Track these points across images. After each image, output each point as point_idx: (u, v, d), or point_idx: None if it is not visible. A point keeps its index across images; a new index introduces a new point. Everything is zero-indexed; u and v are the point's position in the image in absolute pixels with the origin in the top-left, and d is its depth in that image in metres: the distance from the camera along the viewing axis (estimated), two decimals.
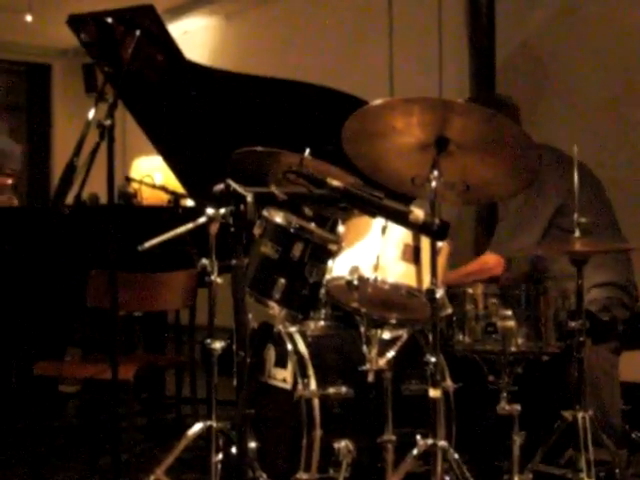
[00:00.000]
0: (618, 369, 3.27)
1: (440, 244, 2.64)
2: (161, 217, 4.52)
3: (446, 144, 2.55)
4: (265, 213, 3.11)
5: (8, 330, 4.13)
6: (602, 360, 3.20)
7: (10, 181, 5.26)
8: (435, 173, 2.51)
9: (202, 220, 2.75)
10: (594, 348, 3.12)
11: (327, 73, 5.69)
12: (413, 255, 2.73)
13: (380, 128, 2.59)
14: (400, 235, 2.74)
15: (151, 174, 5.31)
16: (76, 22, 4.08)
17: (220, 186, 2.33)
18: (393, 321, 2.92)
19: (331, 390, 2.89)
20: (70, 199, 4.01)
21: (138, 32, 3.70)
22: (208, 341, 2.88)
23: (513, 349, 2.82)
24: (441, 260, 2.72)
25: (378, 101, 2.54)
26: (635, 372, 3.64)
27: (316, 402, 2.86)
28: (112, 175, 3.27)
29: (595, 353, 3.14)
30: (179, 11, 7.76)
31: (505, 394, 2.83)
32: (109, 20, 3.85)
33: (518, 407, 2.81)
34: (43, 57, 9.67)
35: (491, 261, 3.45)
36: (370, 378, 2.86)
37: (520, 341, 2.83)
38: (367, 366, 2.86)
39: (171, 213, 4.75)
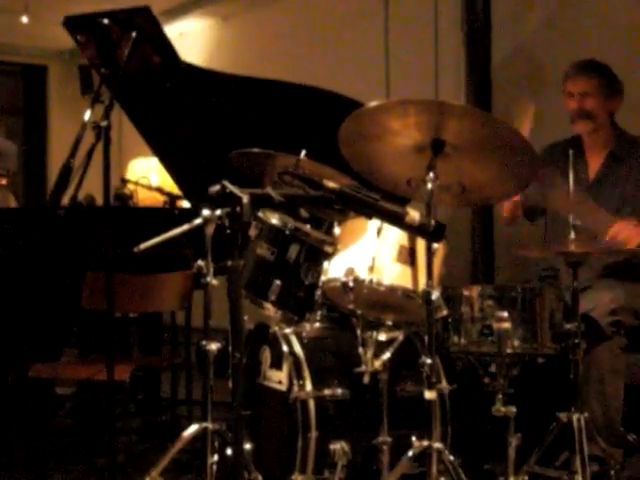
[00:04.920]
0: (624, 367, 3.27)
1: (436, 245, 2.64)
2: (157, 218, 4.52)
3: (442, 146, 2.55)
4: (261, 215, 3.11)
5: (4, 331, 4.12)
6: (611, 356, 3.20)
7: (4, 182, 5.24)
8: (431, 175, 2.51)
9: (198, 221, 2.75)
10: (598, 348, 3.14)
11: (323, 75, 5.69)
12: (409, 256, 2.73)
13: (376, 130, 2.59)
14: (396, 236, 2.74)
15: (147, 175, 5.31)
16: (72, 23, 4.08)
17: (216, 187, 2.33)
18: (389, 323, 2.92)
19: (327, 392, 2.89)
20: (66, 200, 4.02)
21: (134, 34, 3.70)
22: (204, 342, 2.88)
23: (509, 351, 2.82)
24: (437, 262, 2.72)
25: (374, 103, 2.54)
26: (632, 374, 3.64)
27: (312, 404, 2.86)
28: (108, 176, 3.27)
29: (600, 352, 3.15)
30: (175, 13, 7.77)
31: (501, 396, 2.83)
32: (105, 21, 3.85)
33: (514, 409, 2.81)
34: (39, 58, 9.68)
35: None
36: (366, 380, 2.86)
37: (516, 343, 2.83)
38: (363, 368, 2.86)
39: (167, 214, 4.75)
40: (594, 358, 3.09)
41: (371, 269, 2.73)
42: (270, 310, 3.07)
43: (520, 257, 3.81)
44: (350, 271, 2.74)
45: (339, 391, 2.91)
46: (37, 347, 4.17)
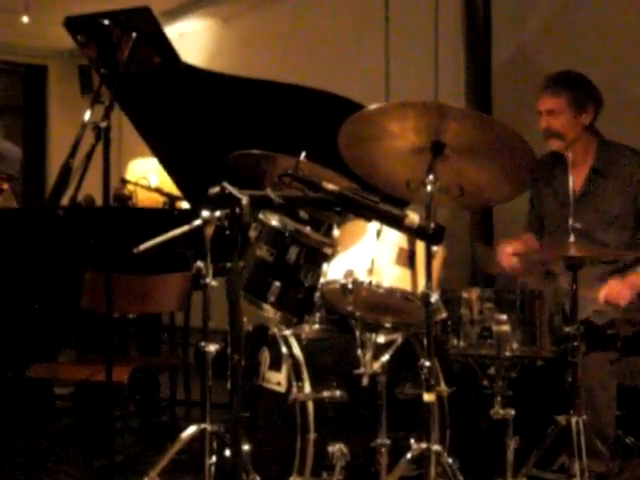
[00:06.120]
0: (615, 379, 3.25)
1: (435, 248, 2.64)
2: (156, 219, 4.52)
3: (442, 148, 2.55)
4: (261, 216, 3.11)
5: (2, 332, 4.12)
6: (599, 369, 3.17)
7: (5, 186, 5.22)
8: (430, 177, 2.51)
9: (197, 222, 2.75)
10: (591, 356, 3.12)
11: (323, 77, 5.69)
12: (408, 259, 2.73)
13: (376, 132, 2.59)
14: (395, 239, 2.74)
15: (147, 176, 5.32)
16: (73, 24, 4.09)
17: (216, 189, 2.33)
18: (388, 325, 2.92)
19: (325, 393, 2.89)
20: (65, 200, 4.02)
21: (134, 34, 3.71)
22: (202, 344, 2.88)
23: (508, 354, 2.82)
24: (436, 264, 2.72)
25: (374, 105, 2.54)
26: (629, 376, 3.64)
27: (310, 405, 2.86)
28: (108, 177, 3.27)
29: (592, 361, 3.13)
30: (175, 13, 7.77)
31: (499, 398, 2.83)
32: (106, 22, 3.86)
33: (512, 411, 2.81)
34: (39, 58, 9.67)
35: None
36: (364, 382, 2.86)
37: (515, 346, 2.83)
38: (361, 370, 2.86)
39: (166, 215, 4.75)
40: (584, 369, 3.05)
41: (370, 271, 2.73)
42: (269, 311, 3.08)
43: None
44: (349, 273, 2.74)
45: (338, 393, 2.90)
46: (35, 347, 4.17)
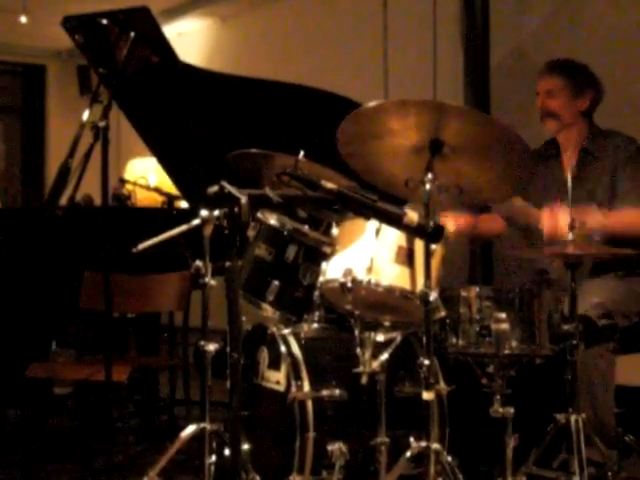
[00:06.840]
0: (614, 369, 3.26)
1: (434, 246, 2.64)
2: (155, 219, 4.52)
3: (440, 147, 2.55)
4: (259, 215, 3.11)
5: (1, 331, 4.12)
6: (599, 358, 3.19)
7: None
8: (429, 176, 2.51)
9: (196, 222, 2.75)
10: (590, 351, 3.12)
11: (322, 76, 5.69)
12: (407, 257, 2.73)
13: (374, 130, 2.59)
14: (394, 237, 2.74)
15: (145, 175, 5.32)
16: (71, 23, 4.09)
17: (214, 188, 2.33)
18: (387, 323, 2.92)
19: (324, 392, 2.89)
20: (64, 200, 4.02)
21: (133, 34, 3.70)
22: (201, 343, 2.88)
23: (507, 352, 2.81)
24: (435, 263, 2.72)
25: (373, 102, 2.54)
26: (628, 375, 3.64)
27: (309, 404, 2.86)
28: (106, 176, 3.27)
29: (592, 351, 3.14)
30: (174, 13, 7.77)
31: (498, 397, 2.83)
32: (104, 22, 3.85)
33: (511, 410, 2.81)
34: (38, 58, 9.67)
35: None
36: (363, 380, 2.86)
37: (514, 344, 2.82)
38: (361, 368, 2.86)
39: (165, 215, 4.75)
40: (584, 362, 3.06)
41: (369, 270, 2.72)
42: (268, 311, 3.07)
43: (518, 258, 3.82)
44: (348, 272, 2.74)
45: (337, 392, 2.90)
46: (33, 347, 4.16)
